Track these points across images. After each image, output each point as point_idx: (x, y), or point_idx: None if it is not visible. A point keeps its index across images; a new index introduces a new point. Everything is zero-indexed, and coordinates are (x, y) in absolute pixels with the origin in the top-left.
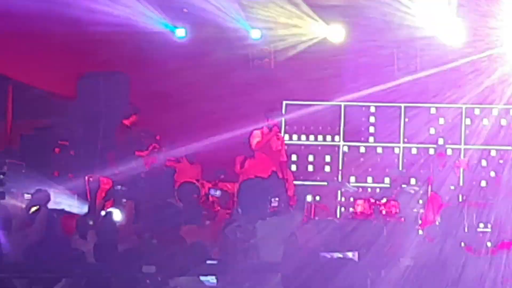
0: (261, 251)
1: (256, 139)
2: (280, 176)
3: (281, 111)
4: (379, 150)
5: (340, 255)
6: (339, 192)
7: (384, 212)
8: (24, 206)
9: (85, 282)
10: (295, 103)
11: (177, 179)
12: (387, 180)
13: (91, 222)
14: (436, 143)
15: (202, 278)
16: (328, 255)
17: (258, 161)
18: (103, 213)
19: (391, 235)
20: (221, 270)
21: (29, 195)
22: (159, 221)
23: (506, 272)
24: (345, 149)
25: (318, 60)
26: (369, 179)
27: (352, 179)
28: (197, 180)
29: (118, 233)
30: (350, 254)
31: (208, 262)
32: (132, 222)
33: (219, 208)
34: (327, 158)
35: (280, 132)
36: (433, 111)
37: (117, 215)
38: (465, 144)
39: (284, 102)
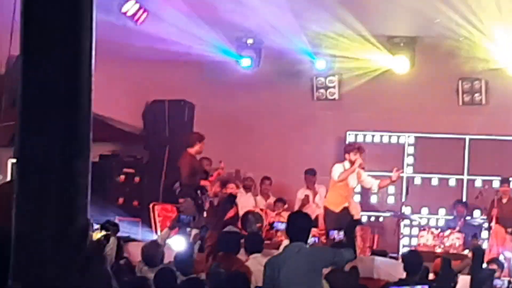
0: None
1: (338, 171)
2: (351, 210)
3: (360, 147)
4: (443, 181)
5: None
6: (402, 223)
7: (448, 244)
8: (90, 233)
9: None
10: (360, 133)
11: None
12: (451, 212)
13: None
14: (501, 175)
15: None
16: None
17: (333, 195)
18: (169, 241)
19: (457, 267)
20: None
21: (98, 225)
22: (224, 250)
23: None
24: (409, 180)
25: (383, 91)
26: (433, 210)
27: (416, 210)
28: (261, 210)
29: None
30: None
31: None
32: (198, 251)
33: (283, 238)
34: (391, 189)
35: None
36: (498, 143)
37: (182, 244)
38: None
39: (348, 133)
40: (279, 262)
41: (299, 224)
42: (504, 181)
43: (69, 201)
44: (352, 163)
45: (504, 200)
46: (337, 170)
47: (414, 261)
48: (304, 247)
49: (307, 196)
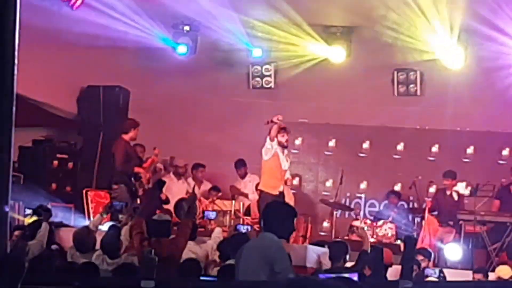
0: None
1: (267, 154)
2: (286, 196)
3: (286, 128)
4: (379, 171)
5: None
6: (335, 212)
7: (380, 233)
8: (22, 218)
9: None
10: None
11: (166, 192)
12: (385, 201)
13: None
14: (437, 167)
15: None
16: (321, 276)
17: (268, 177)
18: (101, 227)
19: (389, 257)
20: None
21: (30, 210)
22: (157, 236)
23: None
24: (344, 168)
25: (319, 80)
26: (368, 200)
27: (349, 200)
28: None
29: (121, 247)
30: (347, 276)
31: (203, 278)
32: (130, 237)
33: (215, 226)
34: (324, 178)
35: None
36: (433, 134)
37: (110, 228)
38: (464, 169)
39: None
40: (241, 251)
41: (272, 214)
42: (448, 174)
43: None
44: (280, 143)
45: (448, 192)
46: (265, 149)
47: (339, 251)
48: (267, 239)
49: (233, 187)
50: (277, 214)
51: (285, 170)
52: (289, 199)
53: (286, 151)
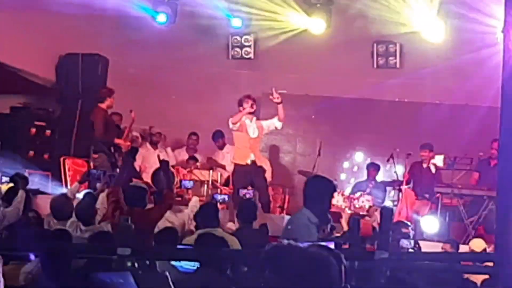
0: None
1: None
2: (258, 163)
3: (254, 98)
4: (358, 143)
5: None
6: None
7: (357, 205)
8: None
9: (58, 261)
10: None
11: (143, 163)
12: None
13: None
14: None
15: (174, 263)
16: (301, 244)
17: (237, 148)
18: (78, 195)
19: (366, 228)
20: (195, 256)
21: (7, 178)
22: (133, 205)
23: None
24: (321, 141)
25: (299, 51)
26: (343, 174)
27: (327, 172)
28: (172, 167)
29: (95, 214)
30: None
31: (179, 247)
32: (107, 205)
33: (192, 195)
34: (302, 151)
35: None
36: (412, 107)
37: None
38: (443, 143)
39: (262, 92)
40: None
41: (309, 190)
42: (425, 147)
43: None
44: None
45: (424, 165)
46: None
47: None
48: (299, 215)
49: (210, 159)
50: (313, 190)
51: (254, 138)
52: (267, 168)
53: (254, 119)
